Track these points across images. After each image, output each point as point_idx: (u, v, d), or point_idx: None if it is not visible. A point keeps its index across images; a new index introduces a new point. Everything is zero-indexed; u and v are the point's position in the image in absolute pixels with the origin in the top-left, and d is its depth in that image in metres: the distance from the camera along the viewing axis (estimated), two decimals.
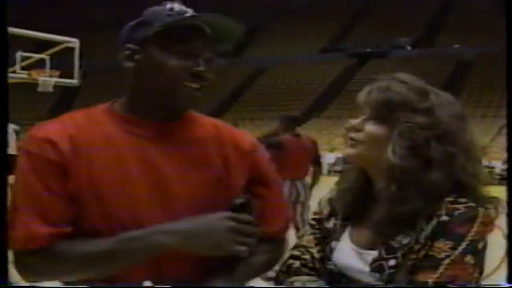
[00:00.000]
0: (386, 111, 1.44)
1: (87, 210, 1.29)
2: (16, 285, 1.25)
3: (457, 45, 35.46)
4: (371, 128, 1.46)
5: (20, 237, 1.27)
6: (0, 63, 1.46)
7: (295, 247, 1.59)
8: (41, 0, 38.53)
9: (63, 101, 36.04)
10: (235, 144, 1.44)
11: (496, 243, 1.53)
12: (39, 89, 12.63)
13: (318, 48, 39.50)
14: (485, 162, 19.80)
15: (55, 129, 1.33)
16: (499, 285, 1.40)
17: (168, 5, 1.35)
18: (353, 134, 1.48)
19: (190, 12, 1.35)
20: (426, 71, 32.78)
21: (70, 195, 1.28)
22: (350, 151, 1.49)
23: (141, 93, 1.36)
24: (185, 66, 1.32)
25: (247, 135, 1.51)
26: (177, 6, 1.35)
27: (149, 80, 1.34)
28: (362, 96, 1.50)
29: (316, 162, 6.72)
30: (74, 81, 13.40)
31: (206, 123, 1.46)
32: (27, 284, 1.32)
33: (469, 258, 1.31)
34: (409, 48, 37.88)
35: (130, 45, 1.35)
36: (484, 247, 1.35)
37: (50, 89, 12.90)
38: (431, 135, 1.40)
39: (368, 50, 37.82)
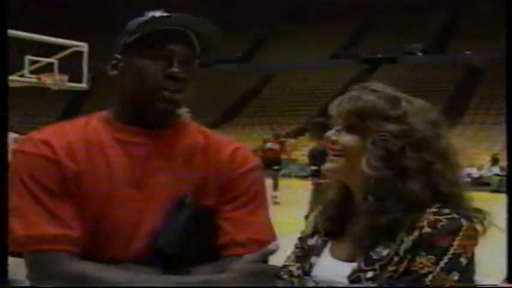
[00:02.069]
0: (357, 121, 1.43)
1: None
2: (16, 285, 1.26)
3: (468, 52, 35.33)
4: (344, 138, 1.45)
5: (25, 237, 1.26)
6: (1, 64, 1.48)
7: (282, 267, 1.57)
8: (50, 3, 38.79)
9: (73, 105, 36.25)
10: (216, 154, 1.43)
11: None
12: (52, 88, 12.74)
13: (329, 54, 39.50)
14: (496, 170, 19.77)
15: (52, 132, 1.36)
16: (499, 285, 1.36)
17: (150, 13, 1.37)
18: (330, 146, 1.48)
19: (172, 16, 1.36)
20: (437, 78, 32.77)
21: (67, 193, 1.29)
22: (329, 166, 1.48)
23: (126, 99, 1.40)
24: (159, 69, 1.33)
25: (233, 144, 1.47)
26: (158, 13, 1.36)
27: (129, 86, 1.37)
28: (333, 107, 1.50)
29: None
30: (83, 85, 13.49)
31: (195, 131, 1.46)
32: (28, 284, 1.31)
33: (453, 275, 1.28)
34: (420, 54, 37.79)
35: (115, 55, 1.40)
36: (470, 262, 1.31)
37: (65, 87, 12.98)
38: (406, 143, 1.38)
39: (379, 55, 37.76)
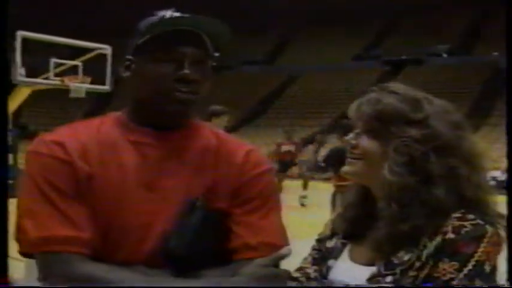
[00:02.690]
0: (377, 125, 1.38)
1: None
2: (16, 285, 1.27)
3: (495, 53, 34.80)
4: (364, 143, 1.40)
5: (42, 238, 1.25)
6: (1, 65, 1.49)
7: (297, 269, 1.54)
8: (73, 5, 39.15)
9: (96, 108, 36.60)
10: (229, 156, 1.41)
11: None
12: (71, 95, 12.89)
13: (352, 56, 39.28)
14: None
15: (65, 133, 1.36)
16: (499, 285, 1.32)
17: (161, 13, 1.35)
18: (350, 150, 1.44)
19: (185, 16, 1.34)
20: (463, 79, 32.37)
21: (80, 195, 1.29)
22: (347, 168, 1.44)
23: (138, 101, 1.39)
24: (169, 72, 1.32)
25: (246, 147, 1.45)
26: (169, 14, 1.34)
27: (141, 87, 1.36)
28: (352, 110, 1.45)
29: None
30: (107, 87, 13.62)
31: (209, 133, 1.45)
32: (27, 284, 1.31)
33: (476, 283, 1.23)
34: (445, 55, 37.35)
35: (127, 57, 1.39)
36: (493, 270, 1.27)
37: (83, 95, 13.14)
38: (429, 148, 1.32)
39: (403, 57, 37.41)
